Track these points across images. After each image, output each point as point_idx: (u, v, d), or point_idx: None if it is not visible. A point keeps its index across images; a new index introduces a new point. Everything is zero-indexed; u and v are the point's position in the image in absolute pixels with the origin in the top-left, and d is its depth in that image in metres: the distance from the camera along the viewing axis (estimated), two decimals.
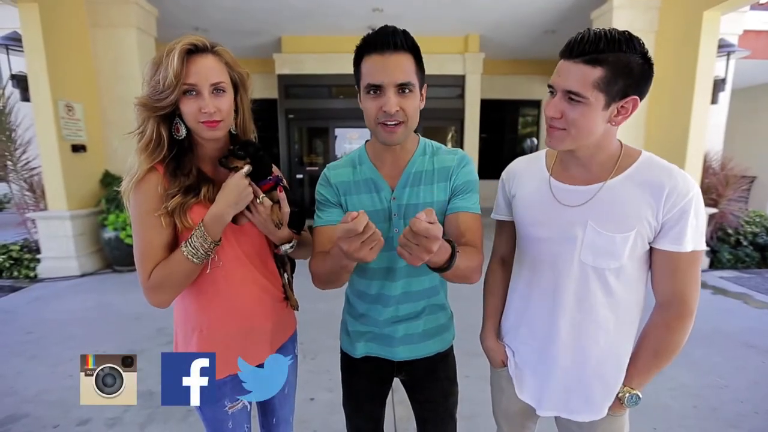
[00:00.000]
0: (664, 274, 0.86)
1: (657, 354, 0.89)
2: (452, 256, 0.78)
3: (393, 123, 0.88)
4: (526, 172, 1.02)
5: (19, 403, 2.12)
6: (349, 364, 1.14)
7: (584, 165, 0.90)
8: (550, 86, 0.84)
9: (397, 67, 0.85)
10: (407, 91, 0.87)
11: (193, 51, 0.86)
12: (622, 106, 0.81)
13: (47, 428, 1.93)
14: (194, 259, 0.86)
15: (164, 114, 0.88)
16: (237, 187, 0.90)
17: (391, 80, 0.85)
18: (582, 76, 0.77)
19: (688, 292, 0.85)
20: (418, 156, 1.00)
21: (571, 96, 0.79)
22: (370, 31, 0.87)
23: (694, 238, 0.82)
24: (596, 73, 0.76)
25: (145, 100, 0.86)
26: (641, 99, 0.81)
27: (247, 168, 0.92)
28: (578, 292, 0.90)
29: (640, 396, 0.92)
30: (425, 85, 0.95)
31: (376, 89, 0.86)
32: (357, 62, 0.91)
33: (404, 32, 0.87)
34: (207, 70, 0.87)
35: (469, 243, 0.93)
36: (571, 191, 0.91)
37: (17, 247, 4.39)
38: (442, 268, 0.79)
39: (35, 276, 4.25)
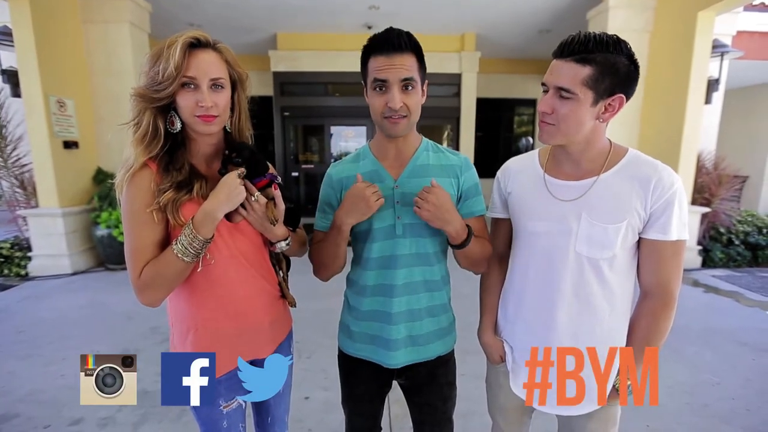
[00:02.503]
0: (650, 263, 0.92)
1: (647, 342, 0.93)
2: (469, 234, 0.98)
3: (397, 117, 0.96)
4: (521, 170, 1.07)
5: (10, 403, 2.09)
6: (348, 367, 1.14)
7: (575, 161, 0.95)
8: (543, 84, 0.90)
9: (401, 65, 0.93)
10: (410, 88, 0.95)
11: (195, 45, 0.87)
12: (609, 104, 0.86)
13: (38, 428, 1.90)
14: (185, 258, 0.85)
15: (160, 106, 0.87)
16: (227, 185, 0.89)
17: (396, 77, 0.93)
18: (572, 73, 0.83)
19: (672, 281, 0.91)
20: (422, 151, 1.07)
21: (562, 92, 0.85)
22: (367, 29, 0.94)
23: (678, 227, 0.88)
24: (585, 71, 0.82)
25: (143, 91, 0.86)
26: (627, 98, 0.87)
27: (240, 171, 0.92)
28: (575, 282, 0.94)
29: None
30: (426, 81, 1.02)
31: (382, 85, 0.94)
32: (364, 61, 0.98)
33: (408, 34, 0.94)
34: (207, 65, 0.87)
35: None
36: (564, 186, 0.96)
37: (8, 245, 4.34)
38: (461, 245, 0.98)
39: (26, 274, 4.20)
